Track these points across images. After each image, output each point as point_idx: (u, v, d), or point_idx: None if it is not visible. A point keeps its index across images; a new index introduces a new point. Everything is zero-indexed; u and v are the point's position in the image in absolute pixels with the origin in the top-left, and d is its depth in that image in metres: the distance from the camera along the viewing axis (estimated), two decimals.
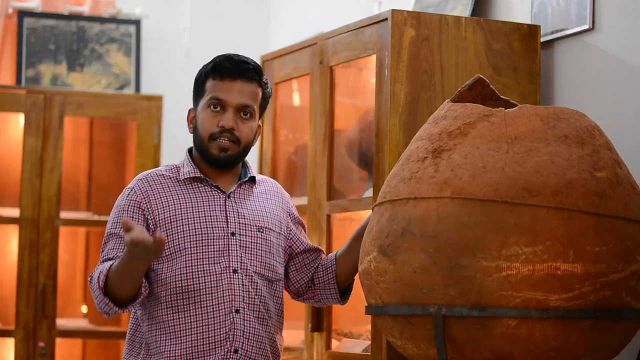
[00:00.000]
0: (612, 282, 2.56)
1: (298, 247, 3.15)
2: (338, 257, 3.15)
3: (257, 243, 3.02)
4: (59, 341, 5.23)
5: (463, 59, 3.38)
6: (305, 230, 3.23)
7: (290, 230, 3.15)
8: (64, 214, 5.26)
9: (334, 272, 3.14)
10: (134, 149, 5.38)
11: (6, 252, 5.35)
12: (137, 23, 5.72)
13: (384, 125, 3.31)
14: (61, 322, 5.24)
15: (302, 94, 4.16)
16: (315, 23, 5.17)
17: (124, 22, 5.70)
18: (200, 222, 2.99)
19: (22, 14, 5.57)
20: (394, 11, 3.32)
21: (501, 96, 2.95)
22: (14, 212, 5.20)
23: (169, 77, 5.59)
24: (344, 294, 3.18)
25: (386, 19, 3.34)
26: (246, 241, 3.01)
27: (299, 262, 3.16)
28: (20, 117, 5.26)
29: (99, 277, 2.88)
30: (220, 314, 2.94)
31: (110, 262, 2.91)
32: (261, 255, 3.02)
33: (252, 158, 4.44)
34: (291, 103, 4.26)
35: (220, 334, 2.93)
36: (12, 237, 5.29)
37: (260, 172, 4.04)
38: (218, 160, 3.01)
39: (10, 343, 5.18)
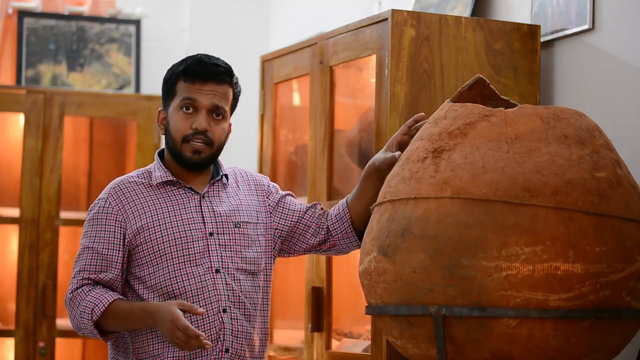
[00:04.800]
0: (612, 282, 2.55)
1: (292, 218, 3.14)
2: (350, 202, 3.11)
3: (235, 240, 3.02)
4: (59, 341, 5.23)
5: (463, 59, 3.38)
6: (294, 197, 3.20)
7: (276, 210, 3.13)
8: (64, 214, 5.26)
9: (349, 220, 3.10)
10: (134, 149, 5.39)
11: (6, 252, 5.35)
12: (137, 23, 5.72)
13: (384, 125, 3.31)
14: (61, 322, 5.24)
15: (302, 94, 4.16)
16: (315, 23, 5.17)
17: (124, 22, 5.70)
18: (178, 226, 2.98)
19: (22, 14, 5.57)
20: (394, 11, 3.32)
21: (501, 96, 2.95)
22: (14, 212, 5.20)
23: None
24: (361, 236, 3.14)
25: (386, 19, 3.34)
26: (225, 239, 3.01)
27: (302, 228, 3.14)
28: (20, 117, 5.26)
29: (93, 309, 2.89)
30: (209, 314, 2.94)
31: (107, 298, 2.90)
32: (241, 251, 3.02)
33: (252, 158, 4.46)
34: (291, 103, 4.26)
35: (210, 335, 2.93)
36: (12, 237, 5.29)
37: (260, 172, 4.03)
38: (191, 163, 3.01)
39: (10, 343, 5.18)
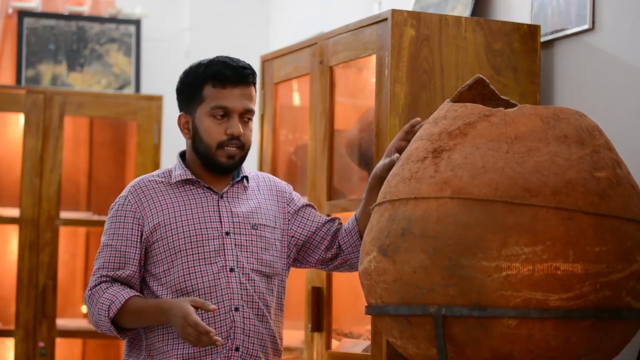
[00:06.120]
0: (612, 282, 2.55)
1: (310, 228, 3.15)
2: (358, 217, 3.12)
3: (252, 240, 3.04)
4: (59, 341, 5.23)
5: (463, 59, 3.38)
6: (315, 209, 3.21)
7: (295, 218, 3.15)
8: (64, 214, 5.26)
9: (357, 234, 3.11)
10: (134, 149, 5.39)
11: (6, 252, 5.35)
12: (137, 23, 5.72)
13: (384, 125, 3.31)
14: (61, 322, 5.24)
15: (302, 94, 4.16)
16: (315, 23, 5.17)
17: (124, 22, 5.70)
18: (194, 224, 3.00)
19: (22, 14, 5.57)
20: (394, 11, 3.32)
21: (501, 96, 2.95)
22: (14, 212, 5.20)
23: (169, 77, 5.57)
24: None
25: (386, 19, 3.34)
26: (241, 239, 3.02)
27: (317, 240, 3.15)
28: (20, 117, 5.27)
29: (109, 306, 2.92)
30: (220, 312, 2.96)
31: (123, 295, 2.93)
32: (257, 252, 3.04)
33: (252, 158, 4.45)
34: (291, 103, 4.26)
35: (221, 333, 2.95)
36: (12, 237, 5.29)
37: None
38: (226, 168, 3.04)
39: (10, 343, 5.18)
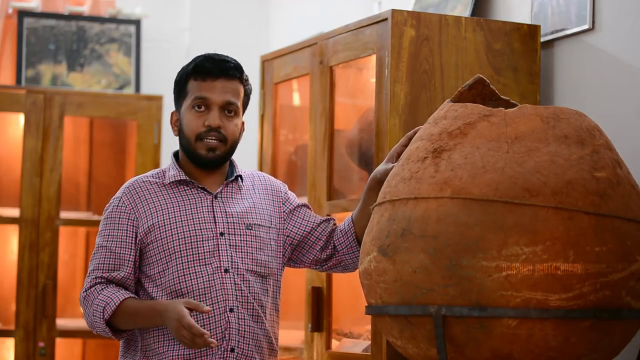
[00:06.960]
0: (612, 282, 2.56)
1: (305, 228, 3.14)
2: (355, 218, 3.12)
3: (246, 241, 3.03)
4: (59, 341, 5.23)
5: (463, 59, 3.38)
6: (310, 209, 3.20)
7: (290, 218, 3.14)
8: (64, 214, 5.27)
9: (354, 235, 3.11)
10: (134, 149, 5.39)
11: (6, 252, 5.35)
12: (137, 23, 5.72)
13: (384, 125, 3.31)
14: (61, 322, 5.24)
15: (302, 94, 4.16)
16: (315, 23, 5.17)
17: (124, 22, 5.70)
18: (188, 225, 3.00)
19: (22, 14, 5.57)
20: (394, 11, 3.33)
21: (501, 96, 2.95)
22: (14, 212, 5.20)
23: (169, 77, 5.57)
24: None
25: (386, 19, 3.34)
26: (235, 240, 3.02)
27: (312, 240, 3.14)
28: (20, 117, 5.27)
29: (104, 308, 2.92)
30: (215, 314, 2.95)
31: (118, 296, 2.93)
32: (251, 253, 3.03)
33: (252, 158, 4.46)
34: (291, 103, 4.26)
35: (216, 334, 2.94)
36: (12, 237, 5.29)
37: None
38: (206, 161, 3.02)
39: (10, 343, 5.18)
